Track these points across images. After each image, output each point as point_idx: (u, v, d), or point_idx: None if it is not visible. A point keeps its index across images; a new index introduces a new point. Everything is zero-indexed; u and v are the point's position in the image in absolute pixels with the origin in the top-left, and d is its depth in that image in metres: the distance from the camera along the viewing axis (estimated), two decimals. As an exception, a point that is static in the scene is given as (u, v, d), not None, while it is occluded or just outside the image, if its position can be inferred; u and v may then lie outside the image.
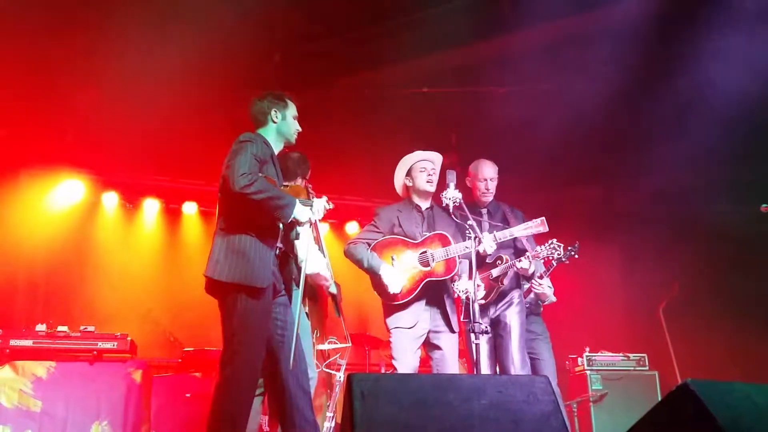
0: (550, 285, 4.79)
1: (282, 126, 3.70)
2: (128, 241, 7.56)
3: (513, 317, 4.56)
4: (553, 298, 4.91)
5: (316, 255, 4.29)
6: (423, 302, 4.35)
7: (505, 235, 4.39)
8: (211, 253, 3.50)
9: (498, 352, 4.60)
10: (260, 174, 3.40)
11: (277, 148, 3.71)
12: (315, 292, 4.63)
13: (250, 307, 3.39)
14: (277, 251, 3.58)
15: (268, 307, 3.50)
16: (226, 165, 3.43)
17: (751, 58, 5.22)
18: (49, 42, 5.42)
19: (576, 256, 4.63)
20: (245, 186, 3.29)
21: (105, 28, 5.24)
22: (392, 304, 4.33)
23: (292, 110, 3.75)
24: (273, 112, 3.68)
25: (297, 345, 3.53)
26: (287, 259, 3.71)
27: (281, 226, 3.57)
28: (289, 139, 3.75)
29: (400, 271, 4.32)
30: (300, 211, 3.47)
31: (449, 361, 4.33)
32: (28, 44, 5.46)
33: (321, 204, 3.64)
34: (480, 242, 4.06)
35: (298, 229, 3.70)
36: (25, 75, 5.76)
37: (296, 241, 3.78)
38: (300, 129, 3.78)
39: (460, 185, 4.57)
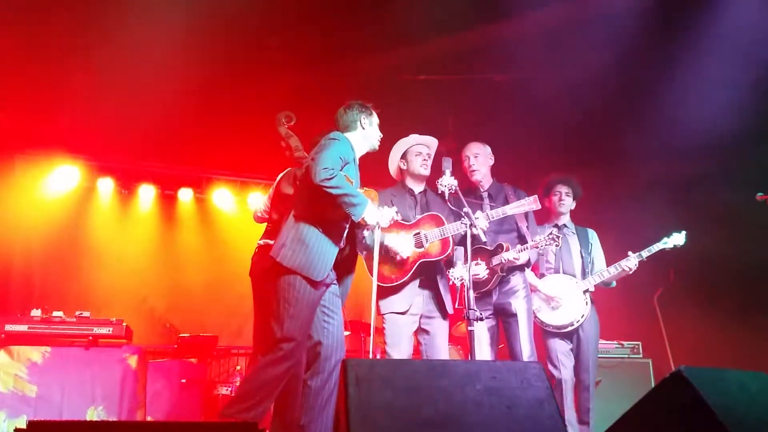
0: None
1: (369, 132, 3.97)
2: (124, 228, 7.54)
3: (520, 305, 4.58)
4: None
5: None
6: (416, 285, 4.36)
7: (498, 213, 4.40)
8: (279, 235, 3.76)
9: (507, 339, 4.63)
10: (341, 173, 3.61)
11: (360, 152, 3.95)
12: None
13: (301, 295, 3.62)
14: (339, 248, 3.77)
15: (318, 297, 3.71)
16: (312, 157, 3.64)
17: (753, 43, 5.21)
18: (45, 26, 5.38)
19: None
20: (325, 179, 3.50)
21: (101, 12, 5.20)
22: (386, 286, 4.34)
23: (376, 119, 4.02)
24: (362, 119, 3.95)
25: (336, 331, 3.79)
26: (349, 257, 3.93)
27: (347, 226, 3.79)
28: (374, 144, 4.02)
29: (402, 239, 4.34)
30: (370, 213, 3.66)
31: (438, 346, 4.36)
32: (23, 29, 5.42)
33: (390, 214, 3.83)
34: (474, 228, 4.04)
35: (366, 233, 3.97)
36: (21, 59, 5.71)
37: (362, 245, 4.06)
38: (381, 136, 4.04)
39: (458, 172, 4.58)
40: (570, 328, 4.79)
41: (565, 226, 5.09)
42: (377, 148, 4.04)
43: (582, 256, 5.00)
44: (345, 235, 3.82)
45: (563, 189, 5.08)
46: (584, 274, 4.94)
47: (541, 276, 4.98)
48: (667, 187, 6.75)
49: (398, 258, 4.30)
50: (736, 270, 6.54)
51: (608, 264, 5.00)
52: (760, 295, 6.39)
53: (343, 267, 3.92)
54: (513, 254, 4.49)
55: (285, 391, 4.12)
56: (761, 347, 6.23)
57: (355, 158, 3.87)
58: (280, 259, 3.65)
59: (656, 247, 4.87)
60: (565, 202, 5.07)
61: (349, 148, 3.78)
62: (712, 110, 5.52)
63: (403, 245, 4.32)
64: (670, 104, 5.91)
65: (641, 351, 6.20)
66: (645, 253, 4.85)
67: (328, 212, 3.67)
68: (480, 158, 4.78)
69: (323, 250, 3.67)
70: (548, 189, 5.13)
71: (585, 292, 4.86)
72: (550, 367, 4.83)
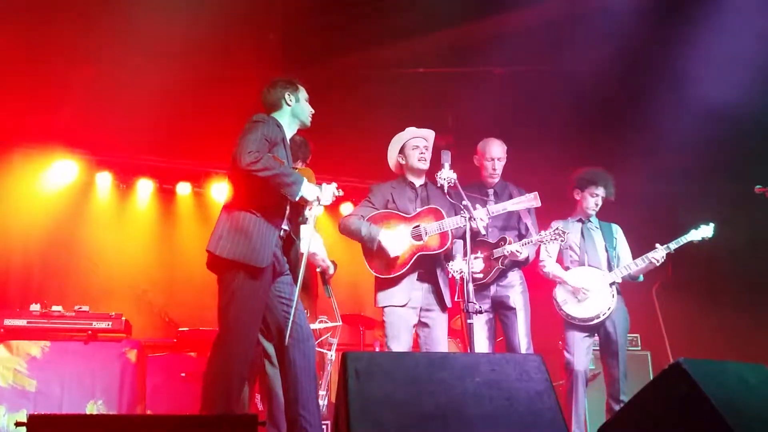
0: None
1: (296, 108, 3.81)
2: (122, 222, 7.53)
3: (518, 298, 4.63)
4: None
5: (314, 236, 4.31)
6: (414, 278, 4.36)
7: (498, 209, 4.40)
8: (214, 228, 3.60)
9: (505, 333, 4.66)
10: (269, 154, 3.48)
11: (290, 131, 3.81)
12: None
13: (246, 286, 3.48)
14: (282, 233, 3.64)
15: (266, 286, 3.56)
16: (236, 143, 3.49)
17: (754, 36, 5.20)
18: (43, 21, 5.35)
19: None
20: (251, 163, 3.37)
21: (100, 7, 5.18)
22: (385, 279, 4.35)
23: (303, 93, 3.86)
24: (287, 96, 3.79)
25: (299, 321, 3.60)
26: (292, 240, 3.76)
27: (288, 207, 3.64)
28: (304, 121, 3.85)
29: (397, 237, 4.33)
30: (308, 190, 3.53)
31: (438, 339, 4.37)
32: (21, 24, 5.40)
33: (330, 189, 3.70)
34: (473, 221, 4.04)
35: (307, 212, 3.73)
36: (19, 54, 5.69)
37: (302, 225, 3.82)
38: (313, 111, 3.88)
39: (469, 164, 4.57)
40: (596, 321, 4.73)
41: (588, 220, 5.05)
42: (309, 124, 3.87)
43: (607, 250, 4.94)
44: (286, 217, 3.66)
45: (602, 193, 4.98)
46: (610, 268, 4.88)
47: (566, 269, 4.94)
48: (664, 181, 6.76)
49: (391, 256, 4.27)
50: (735, 262, 6.55)
51: (634, 258, 4.92)
52: (758, 287, 6.41)
53: (290, 252, 3.75)
54: (516, 247, 4.51)
55: (269, 384, 4.13)
56: (760, 339, 6.25)
57: (285, 138, 3.71)
58: (219, 252, 3.49)
59: (684, 239, 4.79)
60: (599, 204, 4.99)
61: (275, 129, 3.62)
62: (714, 105, 5.51)
63: (396, 244, 4.29)
64: (672, 98, 5.90)
65: (640, 343, 6.22)
66: (673, 245, 4.77)
67: (262, 197, 3.52)
68: (502, 161, 4.78)
69: (263, 236, 3.50)
70: (585, 184, 5.00)
71: (612, 284, 4.80)
72: (568, 356, 4.81)
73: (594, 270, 4.86)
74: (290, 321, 3.54)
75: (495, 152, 4.78)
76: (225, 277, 3.53)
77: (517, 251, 4.52)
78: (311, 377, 3.59)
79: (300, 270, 3.67)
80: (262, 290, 3.54)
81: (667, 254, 4.82)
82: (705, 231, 4.80)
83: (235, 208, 3.56)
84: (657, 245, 4.80)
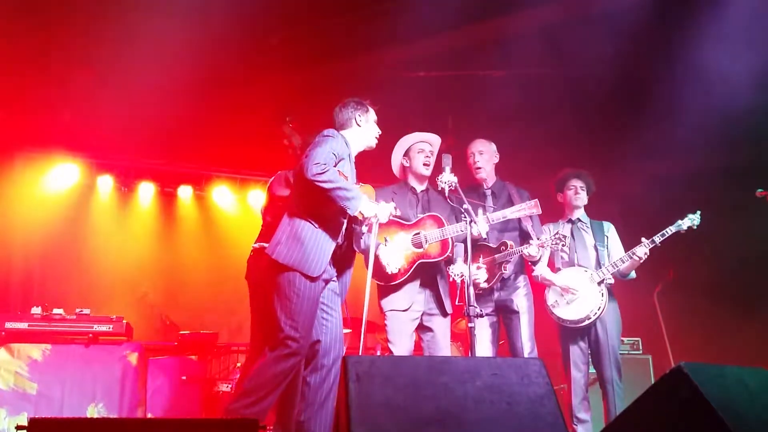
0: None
1: (366, 129, 3.97)
2: (123, 225, 7.54)
3: (521, 301, 4.62)
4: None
5: None
6: (417, 284, 4.37)
7: (498, 216, 4.40)
8: (275, 232, 3.75)
9: (509, 336, 4.65)
10: (335, 168, 3.61)
11: (356, 150, 3.96)
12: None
13: (301, 291, 3.62)
14: (335, 245, 3.75)
15: (318, 293, 3.70)
16: (306, 154, 3.64)
17: (752, 41, 5.20)
18: (45, 25, 5.37)
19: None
20: (317, 174, 3.50)
21: (101, 8, 5.19)
22: (386, 285, 4.35)
23: (372, 116, 4.02)
24: (358, 117, 3.95)
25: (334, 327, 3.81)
26: (347, 252, 3.91)
27: (345, 221, 3.78)
28: (370, 143, 4.01)
29: (395, 251, 4.33)
30: (366, 206, 3.67)
31: (440, 343, 4.38)
32: (23, 27, 5.41)
33: (388, 209, 3.84)
34: (474, 224, 4.04)
35: (365, 228, 3.90)
36: (21, 57, 5.71)
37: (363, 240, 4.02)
38: (380, 132, 4.02)
39: (463, 168, 4.58)
40: (587, 322, 4.70)
41: (579, 220, 5.05)
42: (374, 146, 4.02)
43: (597, 250, 4.93)
44: (343, 230, 3.81)
45: (578, 183, 5.04)
46: (599, 266, 4.87)
47: (557, 270, 4.94)
48: (665, 184, 6.75)
49: (387, 270, 4.23)
50: (736, 266, 6.54)
51: None
52: (759, 290, 6.40)
53: (342, 263, 3.90)
54: (535, 250, 4.50)
55: (286, 388, 4.15)
56: (761, 343, 6.24)
57: (351, 155, 3.86)
58: (275, 257, 3.65)
59: (670, 230, 4.74)
60: (581, 196, 5.03)
61: (343, 145, 3.78)
62: (716, 107, 5.51)
63: (392, 259, 4.25)
64: (671, 101, 5.90)
65: (641, 347, 6.20)
66: (658, 238, 4.73)
67: (323, 207, 3.66)
68: (485, 155, 4.79)
69: (319, 246, 3.66)
70: (562, 184, 5.08)
71: (600, 283, 4.76)
72: (566, 364, 4.82)
73: (582, 270, 4.85)
74: (326, 328, 3.73)
75: (474, 146, 4.84)
76: (280, 281, 3.64)
77: (535, 254, 4.54)
78: (332, 382, 3.69)
79: (349, 280, 3.94)
80: (315, 297, 3.67)
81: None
82: (692, 219, 4.76)
83: (297, 215, 3.70)
84: (642, 239, 4.76)
